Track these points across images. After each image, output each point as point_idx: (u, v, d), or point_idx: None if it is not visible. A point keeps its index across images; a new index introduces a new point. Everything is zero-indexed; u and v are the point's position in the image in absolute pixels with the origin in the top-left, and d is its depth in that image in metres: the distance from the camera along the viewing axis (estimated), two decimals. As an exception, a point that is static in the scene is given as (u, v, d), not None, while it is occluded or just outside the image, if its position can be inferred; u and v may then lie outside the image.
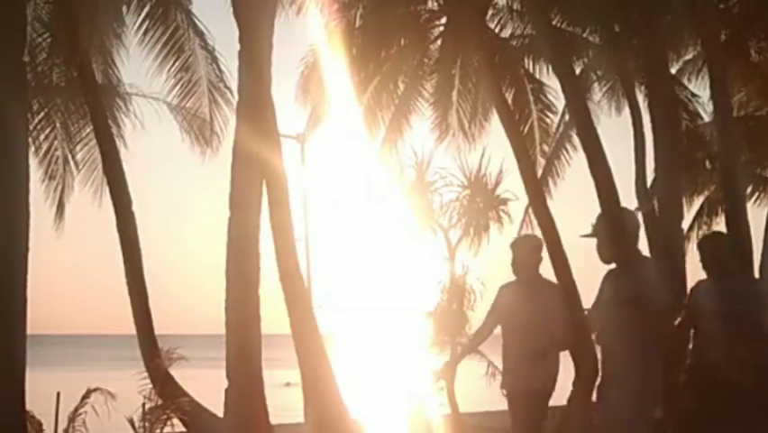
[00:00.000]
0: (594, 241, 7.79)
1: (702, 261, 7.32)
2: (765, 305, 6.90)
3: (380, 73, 17.33)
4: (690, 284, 15.10)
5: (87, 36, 14.85)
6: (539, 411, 7.83)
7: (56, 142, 16.69)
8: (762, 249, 14.00)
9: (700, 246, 7.39)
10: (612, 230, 7.37)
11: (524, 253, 8.12)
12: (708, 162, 17.87)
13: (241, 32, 12.18)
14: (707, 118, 17.44)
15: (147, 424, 11.81)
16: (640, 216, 15.64)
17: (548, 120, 17.91)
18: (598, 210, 14.19)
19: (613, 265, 7.40)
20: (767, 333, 6.90)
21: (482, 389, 16.25)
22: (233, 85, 14.33)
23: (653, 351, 6.79)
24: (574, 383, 15.11)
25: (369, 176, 17.36)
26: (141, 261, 14.86)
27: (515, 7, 17.13)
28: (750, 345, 6.80)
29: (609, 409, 6.67)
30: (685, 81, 18.25)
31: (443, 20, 17.19)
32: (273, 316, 12.58)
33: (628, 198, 15.41)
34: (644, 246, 14.91)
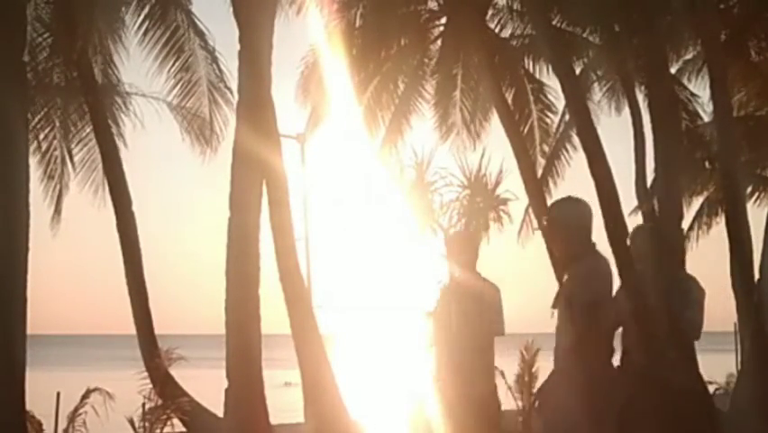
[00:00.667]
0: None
1: (635, 255, 7.13)
2: (693, 302, 6.66)
3: (380, 73, 17.33)
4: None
5: (87, 36, 14.84)
6: None
7: (55, 142, 16.70)
8: (762, 249, 13.99)
9: (633, 239, 7.15)
10: (550, 224, 7.00)
11: None
12: (708, 162, 17.87)
13: (241, 32, 12.18)
14: (707, 118, 17.43)
15: (147, 424, 11.81)
16: (637, 216, 15.74)
17: (548, 120, 17.92)
18: (598, 210, 14.25)
19: None
20: (694, 331, 6.74)
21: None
22: (234, 85, 14.34)
23: (581, 350, 6.48)
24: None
25: (369, 176, 17.36)
26: (141, 261, 14.87)
27: (515, 7, 17.13)
28: (679, 343, 6.73)
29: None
30: (685, 81, 18.24)
31: (443, 20, 17.19)
32: (273, 316, 12.60)
33: (628, 198, 15.42)
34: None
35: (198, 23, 15.74)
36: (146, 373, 13.14)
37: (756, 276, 13.67)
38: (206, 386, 13.93)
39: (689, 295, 6.61)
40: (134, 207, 15.06)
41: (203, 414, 13.57)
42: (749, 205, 17.27)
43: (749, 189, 18.40)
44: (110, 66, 16.27)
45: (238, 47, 12.33)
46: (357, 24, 16.72)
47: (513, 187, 16.31)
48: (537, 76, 17.63)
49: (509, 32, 17.42)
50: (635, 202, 15.74)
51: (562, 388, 6.02)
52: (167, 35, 15.59)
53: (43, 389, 11.65)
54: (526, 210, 17.46)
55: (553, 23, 15.96)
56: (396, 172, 16.69)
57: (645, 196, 15.51)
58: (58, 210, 17.00)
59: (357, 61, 16.36)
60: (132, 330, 14.72)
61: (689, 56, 17.87)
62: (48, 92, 16.15)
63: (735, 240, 13.75)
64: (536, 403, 6.56)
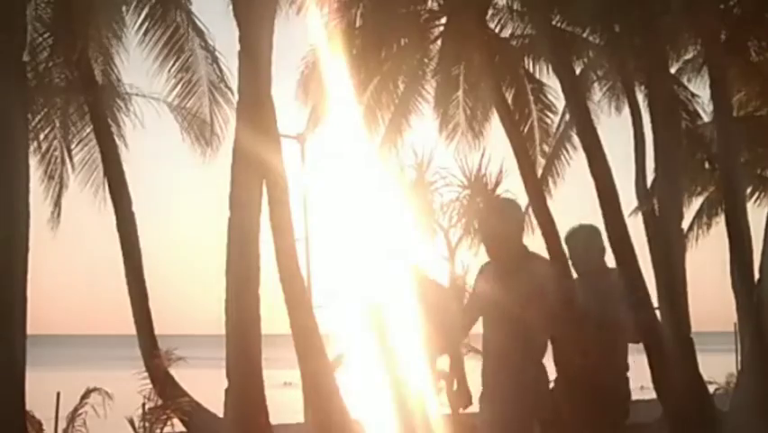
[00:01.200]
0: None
1: (571, 258, 6.67)
2: (633, 306, 6.60)
3: (380, 73, 17.34)
4: (690, 285, 15.20)
5: (87, 36, 14.84)
6: None
7: (55, 142, 16.69)
8: (762, 249, 13.97)
9: (567, 241, 6.67)
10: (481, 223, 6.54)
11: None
12: (707, 162, 17.87)
13: (241, 32, 12.18)
14: (707, 118, 17.44)
15: (147, 424, 11.82)
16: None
17: (548, 120, 17.93)
18: (598, 210, 14.27)
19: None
20: (632, 336, 6.57)
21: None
22: (234, 85, 14.34)
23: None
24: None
25: (369, 176, 17.36)
26: (141, 261, 14.87)
27: (515, 7, 17.13)
28: (621, 349, 6.45)
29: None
30: (685, 81, 18.24)
31: (443, 20, 17.20)
32: (273, 316, 12.59)
33: (628, 198, 15.44)
34: (643, 246, 15.03)
35: (198, 22, 15.74)
36: (146, 373, 13.14)
37: (756, 276, 13.66)
38: (206, 386, 13.93)
39: (632, 294, 6.56)
40: (134, 207, 15.06)
41: (203, 414, 13.57)
42: (749, 205, 17.26)
43: (749, 189, 18.40)
44: (110, 66, 16.27)
45: (238, 47, 12.33)
46: (357, 24, 16.73)
47: (513, 187, 16.37)
48: (537, 76, 17.65)
49: (509, 32, 17.44)
50: (635, 202, 15.77)
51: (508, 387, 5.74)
52: (167, 35, 15.58)
53: (43, 389, 11.65)
54: (526, 210, 17.46)
55: (553, 23, 15.98)
56: (396, 172, 16.73)
57: (645, 196, 15.54)
58: (57, 210, 17.01)
59: (357, 61, 16.36)
60: (132, 330, 14.71)
61: (689, 56, 17.88)
62: (48, 92, 16.14)
63: (735, 240, 13.75)
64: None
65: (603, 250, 6.82)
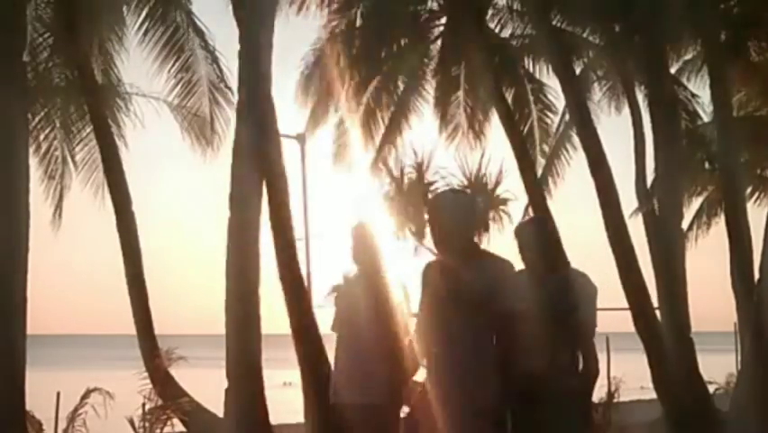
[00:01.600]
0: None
1: (521, 253, 6.15)
2: (584, 303, 6.02)
3: (380, 73, 17.34)
4: (690, 285, 15.20)
5: (88, 36, 14.84)
6: None
7: (56, 142, 16.69)
8: (762, 249, 13.98)
9: (517, 235, 6.12)
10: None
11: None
12: (707, 162, 17.87)
13: (241, 32, 12.18)
14: (707, 118, 17.44)
15: (147, 424, 11.80)
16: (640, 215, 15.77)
17: (548, 120, 17.93)
18: (598, 210, 14.27)
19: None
20: (584, 334, 6.10)
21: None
22: (234, 85, 14.33)
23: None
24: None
25: (368, 176, 17.36)
26: (141, 261, 14.85)
27: (515, 7, 17.14)
28: (570, 348, 6.01)
29: None
30: (685, 81, 18.25)
31: (443, 20, 17.20)
32: (273, 316, 12.59)
33: (628, 198, 15.45)
34: (643, 246, 15.02)
35: (198, 22, 15.73)
36: (146, 373, 13.13)
37: (756, 276, 13.67)
38: (206, 386, 13.92)
39: (580, 293, 6.00)
40: (134, 207, 15.05)
41: (203, 414, 13.56)
42: (749, 205, 17.27)
43: (749, 189, 18.40)
44: (110, 66, 16.26)
45: (238, 47, 12.33)
46: (357, 24, 16.73)
47: (513, 187, 16.35)
48: (537, 76, 17.65)
49: (509, 32, 17.45)
50: (635, 202, 15.78)
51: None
52: (167, 35, 15.57)
53: (43, 389, 11.64)
54: (526, 210, 17.45)
55: (553, 23, 15.98)
56: (396, 172, 16.71)
57: (645, 196, 15.55)
58: (59, 210, 17.00)
59: (357, 61, 16.37)
60: (132, 330, 14.70)
61: (689, 56, 17.88)
62: (48, 92, 16.14)
63: (735, 240, 13.76)
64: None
65: (558, 244, 6.43)
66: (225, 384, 11.89)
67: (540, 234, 6.08)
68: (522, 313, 5.72)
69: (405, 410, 5.95)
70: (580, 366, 6.06)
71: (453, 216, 5.58)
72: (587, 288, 6.16)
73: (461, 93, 17.79)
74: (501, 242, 17.61)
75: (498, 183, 16.49)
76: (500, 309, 5.53)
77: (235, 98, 13.08)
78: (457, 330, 5.49)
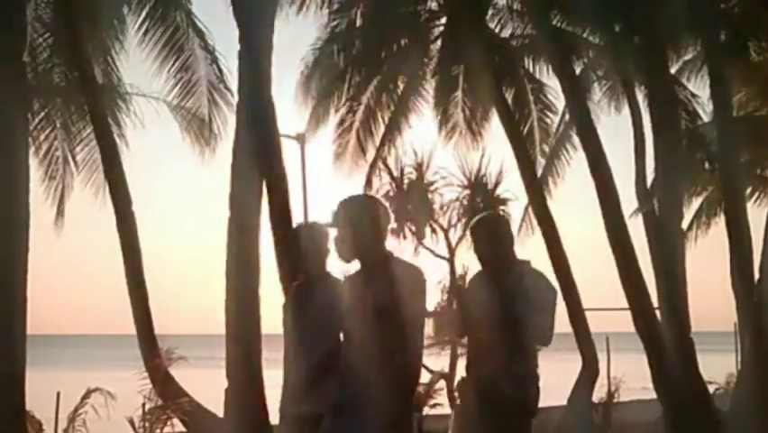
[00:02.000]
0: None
1: (475, 249, 5.87)
2: (543, 305, 5.73)
3: (380, 73, 17.34)
4: (690, 285, 15.20)
5: (88, 36, 14.84)
6: None
7: (56, 143, 16.69)
8: (762, 249, 14.00)
9: (472, 231, 5.92)
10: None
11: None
12: (707, 162, 17.87)
13: (241, 32, 12.17)
14: (707, 118, 17.44)
15: (147, 424, 11.80)
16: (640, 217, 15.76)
17: (548, 120, 17.93)
18: (598, 210, 14.28)
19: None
20: (542, 339, 5.76)
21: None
22: (233, 85, 14.33)
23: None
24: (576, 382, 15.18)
25: (368, 176, 17.35)
26: (141, 261, 14.85)
27: (515, 7, 17.14)
28: (522, 355, 5.70)
29: None
30: (685, 81, 18.25)
31: (443, 20, 17.20)
32: (273, 316, 12.56)
33: (628, 198, 15.46)
34: (643, 246, 15.03)
35: (198, 23, 15.73)
36: (146, 373, 13.13)
37: (756, 276, 13.67)
38: (206, 386, 13.92)
39: (537, 297, 5.67)
40: (134, 207, 15.05)
41: (203, 414, 13.56)
42: (749, 205, 17.27)
43: (749, 189, 18.40)
44: (110, 66, 16.26)
45: (238, 47, 12.32)
46: (357, 24, 16.73)
47: (513, 187, 16.35)
48: (537, 76, 17.65)
49: (509, 32, 17.45)
50: (635, 202, 15.78)
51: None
52: (167, 35, 15.57)
53: (43, 389, 11.65)
54: (525, 210, 17.46)
55: (553, 22, 15.98)
56: (396, 172, 16.72)
57: (645, 196, 15.55)
58: (60, 211, 17.01)
59: (357, 61, 16.37)
60: (132, 330, 14.70)
61: (689, 56, 17.88)
62: (48, 92, 16.14)
63: (735, 240, 13.76)
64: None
65: (512, 241, 5.99)
66: (225, 384, 11.88)
67: (495, 228, 5.90)
68: (478, 319, 5.56)
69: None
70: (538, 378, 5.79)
71: (358, 222, 5.17)
72: (544, 291, 5.81)
73: (459, 93, 17.79)
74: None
75: (498, 183, 16.51)
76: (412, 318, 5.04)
77: (235, 99, 13.08)
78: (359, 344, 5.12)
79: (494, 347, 5.57)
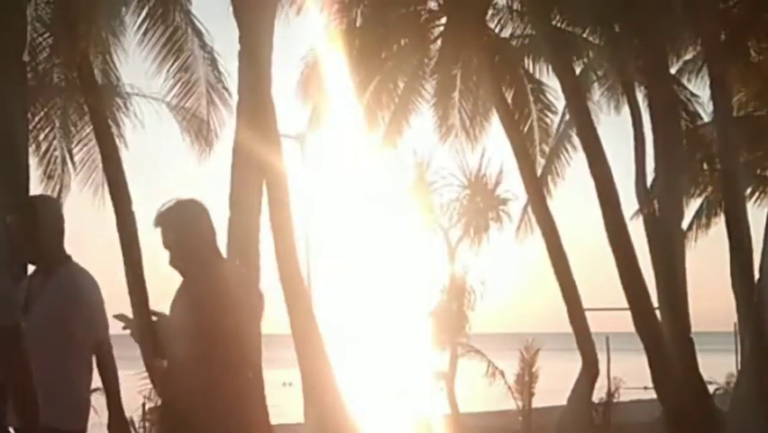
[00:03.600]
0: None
1: (165, 246, 4.90)
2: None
3: (380, 73, 17.33)
4: (690, 285, 15.20)
5: (87, 36, 14.83)
6: None
7: (55, 142, 16.66)
8: (762, 249, 13.97)
9: (157, 224, 4.85)
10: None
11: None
12: (707, 162, 17.87)
13: (241, 32, 12.18)
14: (707, 118, 17.43)
15: (147, 424, 11.81)
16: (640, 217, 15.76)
17: (548, 120, 17.91)
18: (598, 210, 14.28)
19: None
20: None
21: (482, 389, 16.26)
22: (232, 86, 14.31)
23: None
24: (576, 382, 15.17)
25: (369, 176, 17.36)
26: (141, 261, 14.83)
27: (515, 7, 17.13)
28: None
29: None
30: (685, 81, 18.23)
31: (443, 20, 17.19)
32: (273, 316, 12.57)
33: (628, 198, 15.45)
34: (643, 247, 15.02)
35: (198, 23, 15.70)
36: (146, 373, 13.12)
37: (756, 276, 13.67)
38: (206, 386, 13.90)
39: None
40: (134, 207, 15.04)
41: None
42: (749, 205, 17.26)
43: (749, 189, 18.39)
44: (110, 66, 16.24)
45: (238, 47, 12.32)
46: (357, 24, 16.72)
47: (513, 187, 16.37)
48: (537, 76, 17.63)
49: (509, 32, 17.43)
50: (635, 202, 15.77)
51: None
52: (166, 35, 15.55)
53: (43, 389, 11.63)
54: (525, 209, 17.46)
55: (553, 23, 15.98)
56: (396, 172, 16.73)
57: (645, 196, 15.54)
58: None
59: (357, 61, 16.36)
60: (132, 330, 14.69)
61: (689, 56, 17.86)
62: (48, 92, 16.12)
63: (735, 240, 13.76)
64: None
65: (213, 234, 4.90)
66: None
67: (182, 220, 4.82)
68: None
69: None
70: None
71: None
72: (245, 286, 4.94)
73: (456, 94, 17.77)
74: (501, 242, 17.70)
75: (498, 183, 16.53)
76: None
77: (233, 99, 13.08)
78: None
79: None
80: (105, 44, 15.67)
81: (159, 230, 4.81)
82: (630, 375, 16.39)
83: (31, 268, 5.22)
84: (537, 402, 15.60)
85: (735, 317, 15.30)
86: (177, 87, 15.81)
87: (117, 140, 15.65)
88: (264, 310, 4.81)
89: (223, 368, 4.51)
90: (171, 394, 4.79)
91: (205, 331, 4.49)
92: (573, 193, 19.47)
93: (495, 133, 17.38)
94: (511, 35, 17.48)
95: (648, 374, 14.19)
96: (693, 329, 15.05)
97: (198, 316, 4.55)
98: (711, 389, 15.87)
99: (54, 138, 16.63)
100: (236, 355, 4.56)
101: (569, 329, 15.20)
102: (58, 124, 16.57)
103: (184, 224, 4.79)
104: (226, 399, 4.53)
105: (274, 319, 12.65)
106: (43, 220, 4.96)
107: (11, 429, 4.28)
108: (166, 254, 4.83)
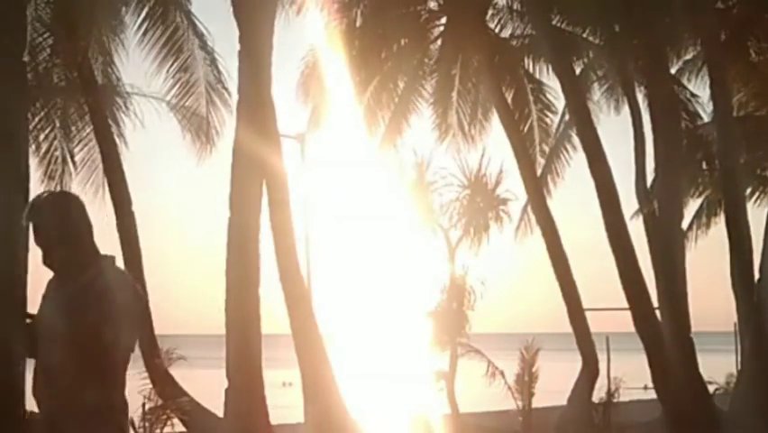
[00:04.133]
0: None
1: (37, 243, 4.53)
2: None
3: (380, 73, 17.33)
4: (690, 285, 15.22)
5: (87, 36, 14.83)
6: None
7: (55, 142, 16.68)
8: (762, 249, 13.99)
9: (29, 218, 4.50)
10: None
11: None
12: (707, 162, 17.88)
13: (241, 33, 12.18)
14: (707, 118, 17.45)
15: (147, 424, 11.81)
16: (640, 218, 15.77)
17: (548, 120, 17.92)
18: (598, 210, 14.29)
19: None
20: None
21: (482, 389, 16.25)
22: (232, 86, 14.32)
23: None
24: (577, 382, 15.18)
25: (369, 176, 17.36)
26: (141, 261, 14.85)
27: (515, 7, 17.14)
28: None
29: None
30: (685, 81, 18.25)
31: (443, 20, 17.20)
32: (273, 316, 12.59)
33: (628, 198, 15.46)
34: (643, 246, 15.03)
35: (198, 23, 15.73)
36: (146, 373, 13.13)
37: (756, 276, 13.68)
38: (206, 386, 13.93)
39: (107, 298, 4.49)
40: (134, 207, 15.05)
41: (203, 414, 13.57)
42: (749, 205, 17.27)
43: (749, 189, 18.40)
44: (110, 66, 16.25)
45: (238, 47, 12.33)
46: (357, 24, 16.72)
47: (513, 187, 16.36)
48: (537, 76, 17.64)
49: (509, 32, 17.44)
50: (635, 202, 15.78)
51: None
52: (166, 35, 15.57)
53: (43, 389, 11.64)
54: (524, 209, 17.47)
55: (553, 23, 15.98)
56: (396, 172, 16.73)
57: (645, 196, 15.55)
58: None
59: (357, 61, 16.36)
60: (132, 330, 14.69)
61: (689, 56, 17.88)
62: (48, 92, 16.12)
63: (735, 240, 13.78)
64: None
65: (90, 229, 4.63)
66: (225, 384, 11.89)
67: (56, 214, 4.46)
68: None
69: None
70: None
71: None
72: (123, 289, 4.64)
73: (454, 94, 17.78)
74: (501, 242, 17.70)
75: (498, 183, 16.52)
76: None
77: (233, 99, 13.09)
78: None
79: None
80: (104, 44, 15.69)
81: (30, 226, 4.44)
82: (630, 375, 16.37)
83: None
84: (537, 402, 15.60)
85: (735, 318, 15.32)
86: (176, 88, 15.84)
87: (117, 139, 15.67)
88: (143, 312, 4.55)
89: (88, 373, 4.33)
90: (39, 396, 4.48)
91: (72, 334, 4.29)
92: (573, 193, 19.46)
93: (495, 133, 17.39)
94: (511, 35, 17.49)
95: (648, 374, 14.19)
96: (693, 329, 15.05)
97: (68, 317, 4.33)
98: (711, 389, 15.86)
99: (54, 138, 16.64)
100: (103, 360, 4.39)
101: (569, 329, 15.20)
102: (58, 125, 16.57)
103: (59, 219, 4.44)
104: (91, 402, 4.34)
105: (274, 319, 12.70)
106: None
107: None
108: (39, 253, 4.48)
